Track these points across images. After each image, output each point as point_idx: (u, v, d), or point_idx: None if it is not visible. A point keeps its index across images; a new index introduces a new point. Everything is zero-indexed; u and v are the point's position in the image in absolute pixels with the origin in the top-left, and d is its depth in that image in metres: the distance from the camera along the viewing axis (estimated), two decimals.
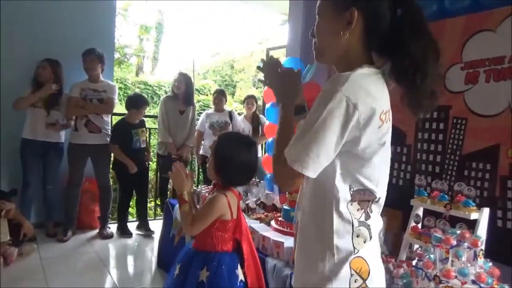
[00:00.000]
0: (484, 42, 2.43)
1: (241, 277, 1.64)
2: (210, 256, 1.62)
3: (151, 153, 4.93)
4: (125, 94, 10.02)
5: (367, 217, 0.99)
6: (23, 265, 3.07)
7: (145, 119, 4.21)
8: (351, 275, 0.94)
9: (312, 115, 0.92)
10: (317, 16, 1.05)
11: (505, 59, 2.32)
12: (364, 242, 0.98)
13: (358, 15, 0.96)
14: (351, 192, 0.96)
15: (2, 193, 3.21)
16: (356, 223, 0.96)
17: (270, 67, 1.19)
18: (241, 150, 1.64)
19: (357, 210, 0.97)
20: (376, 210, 1.02)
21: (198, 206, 1.79)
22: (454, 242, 1.35)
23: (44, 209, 3.78)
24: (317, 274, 0.96)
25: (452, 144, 2.59)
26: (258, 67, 1.22)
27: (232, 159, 1.61)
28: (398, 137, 2.94)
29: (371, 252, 1.00)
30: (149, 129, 4.59)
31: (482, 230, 1.53)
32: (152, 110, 9.02)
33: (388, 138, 0.99)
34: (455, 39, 2.59)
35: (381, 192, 1.01)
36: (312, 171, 0.92)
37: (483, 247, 1.37)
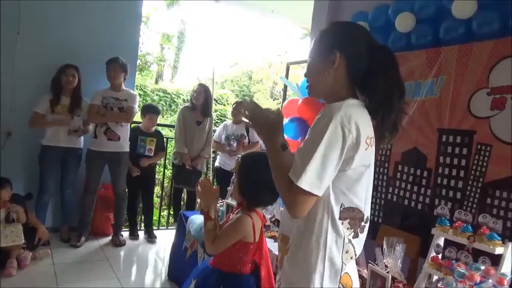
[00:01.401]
0: None
1: None
2: (227, 277, 1.59)
3: (167, 160, 4.96)
4: (144, 101, 10.16)
5: (355, 235, 1.11)
6: (36, 270, 3.09)
7: (161, 128, 4.26)
8: None
9: (312, 142, 1.04)
10: (308, 58, 1.23)
11: None
12: (351, 258, 1.10)
13: (341, 57, 1.13)
14: (341, 209, 1.08)
15: (18, 197, 3.24)
16: (346, 240, 1.09)
17: (251, 110, 1.22)
18: (265, 170, 1.61)
19: (347, 228, 1.09)
20: (366, 230, 1.14)
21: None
22: (479, 279, 1.30)
23: (60, 213, 3.82)
24: (309, 285, 1.05)
25: (475, 171, 2.51)
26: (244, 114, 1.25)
27: (257, 180, 1.59)
28: (418, 159, 2.88)
29: (354, 269, 1.14)
30: (167, 138, 4.62)
31: (507, 267, 1.47)
32: (170, 118, 9.10)
33: (372, 161, 1.14)
34: (482, 63, 2.53)
35: (368, 211, 1.15)
36: (319, 190, 1.04)
37: (508, 286, 1.31)
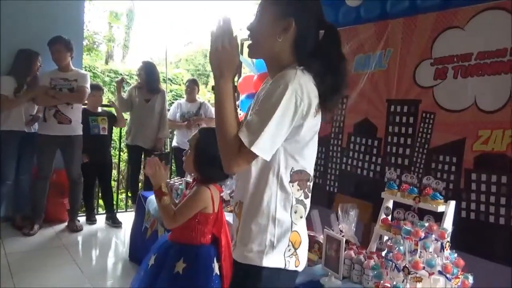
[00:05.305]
0: (453, 39, 2.51)
1: (216, 270, 1.64)
2: (188, 248, 1.62)
3: (122, 143, 4.85)
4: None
5: (306, 196, 1.17)
6: None
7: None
8: (288, 245, 1.14)
9: (269, 108, 1.05)
10: (257, 13, 1.17)
11: (472, 56, 2.40)
12: (301, 217, 1.16)
13: (294, 25, 1.12)
14: (291, 173, 1.13)
15: None
16: (294, 201, 1.14)
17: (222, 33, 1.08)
18: None
19: (297, 190, 1.14)
20: (311, 190, 1.20)
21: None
22: (423, 235, 1.40)
23: (13, 201, 3.65)
24: (261, 244, 1.12)
25: (421, 138, 2.67)
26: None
27: (214, 156, 1.59)
28: (369, 130, 3.01)
29: (304, 227, 1.20)
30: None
31: (448, 222, 1.59)
32: None
33: (319, 127, 1.17)
34: (426, 35, 2.65)
35: (312, 172, 1.20)
36: (269, 155, 1.07)
37: (449, 239, 1.43)
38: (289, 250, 1.13)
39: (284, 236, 1.13)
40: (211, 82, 12.95)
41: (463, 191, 2.40)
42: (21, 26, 3.64)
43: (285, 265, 1.13)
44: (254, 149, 1.04)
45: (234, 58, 1.09)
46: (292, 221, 1.14)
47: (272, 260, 1.12)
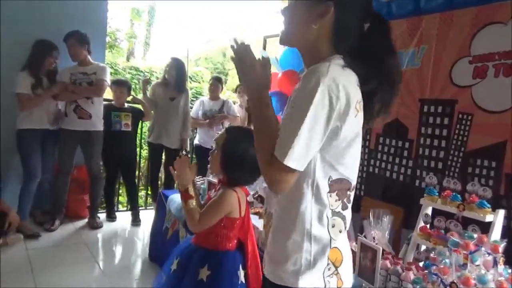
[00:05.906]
0: (494, 35, 2.35)
1: (241, 278, 1.55)
2: (213, 254, 1.53)
3: (142, 140, 4.81)
4: None
5: (344, 207, 1.03)
6: (8, 255, 2.94)
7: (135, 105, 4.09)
8: (327, 264, 1.01)
9: (298, 112, 0.92)
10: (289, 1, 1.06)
11: None
12: (340, 232, 1.03)
13: (334, 10, 0.99)
14: (329, 183, 0.99)
15: None
16: (330, 214, 1.00)
17: (240, 54, 1.05)
18: (251, 148, 1.52)
19: (335, 201, 1.01)
20: (351, 199, 1.06)
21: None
22: (473, 248, 1.28)
23: (35, 197, 3.61)
24: (296, 263, 0.99)
25: (457, 140, 2.52)
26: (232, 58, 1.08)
27: (242, 158, 1.49)
28: (399, 131, 2.86)
29: (345, 242, 1.07)
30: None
31: (497, 233, 1.46)
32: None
33: (361, 128, 1.03)
34: (464, 31, 2.50)
35: (355, 181, 1.07)
36: (303, 166, 0.95)
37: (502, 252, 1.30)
38: (329, 269, 1.01)
39: (323, 254, 1.00)
40: (230, 80, 12.90)
41: (503, 197, 2.24)
42: (45, 24, 3.60)
43: (325, 285, 1.01)
44: (288, 162, 0.91)
45: (261, 76, 1.03)
46: (330, 236, 1.01)
47: (310, 281, 1.00)
